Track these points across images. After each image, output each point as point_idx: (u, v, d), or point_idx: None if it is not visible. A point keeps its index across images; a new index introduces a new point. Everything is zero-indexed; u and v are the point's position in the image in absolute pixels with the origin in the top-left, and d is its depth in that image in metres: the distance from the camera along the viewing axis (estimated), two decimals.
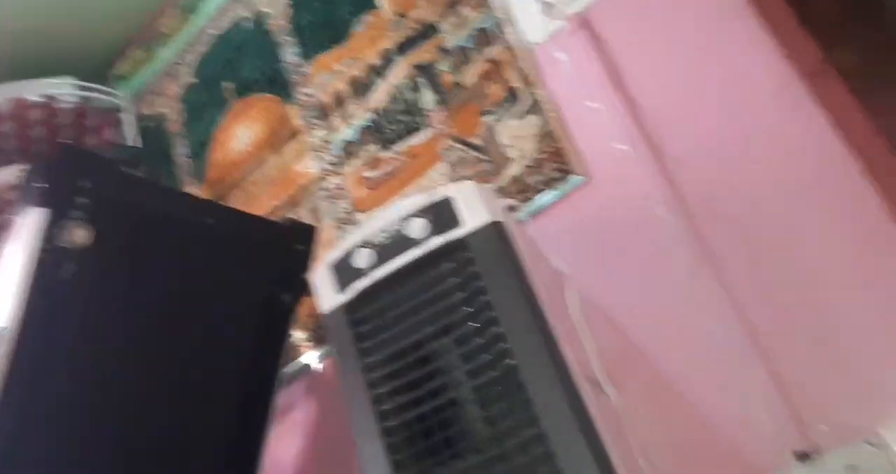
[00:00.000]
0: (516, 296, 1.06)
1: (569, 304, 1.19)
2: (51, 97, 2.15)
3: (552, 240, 1.34)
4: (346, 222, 1.74)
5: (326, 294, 1.24)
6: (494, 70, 1.59)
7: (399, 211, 1.22)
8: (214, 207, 1.66)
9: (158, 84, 2.31)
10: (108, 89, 2.32)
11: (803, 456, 1.06)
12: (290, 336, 1.55)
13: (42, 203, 1.19)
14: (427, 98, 1.68)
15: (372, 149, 1.75)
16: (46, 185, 1.20)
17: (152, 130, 2.28)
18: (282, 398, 1.49)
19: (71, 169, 1.24)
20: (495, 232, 1.13)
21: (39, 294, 1.14)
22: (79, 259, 1.18)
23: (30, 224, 1.19)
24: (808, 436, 1.07)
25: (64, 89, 2.18)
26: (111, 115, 2.30)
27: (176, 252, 1.33)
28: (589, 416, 0.96)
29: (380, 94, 1.77)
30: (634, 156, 1.32)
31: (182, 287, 1.35)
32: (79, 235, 1.19)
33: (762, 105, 1.23)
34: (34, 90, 2.14)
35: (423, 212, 1.19)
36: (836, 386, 1.08)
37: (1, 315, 1.13)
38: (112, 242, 1.22)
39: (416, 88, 1.71)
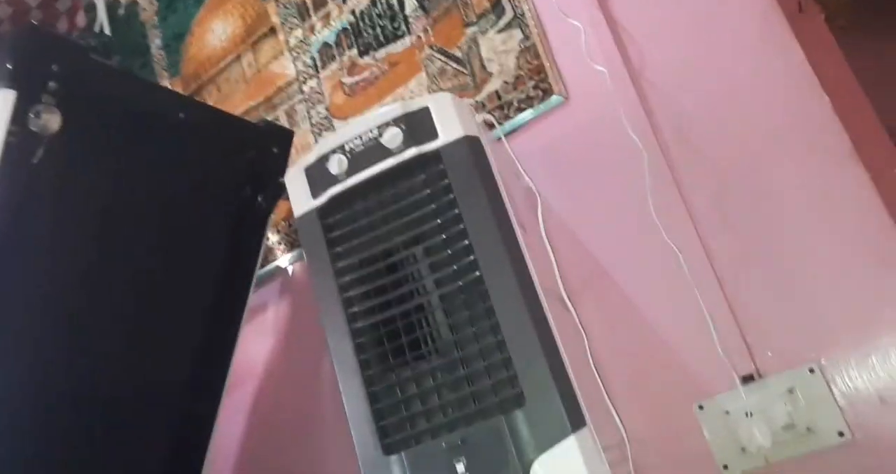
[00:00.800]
0: (486, 211, 1.08)
1: (538, 222, 1.23)
2: None
3: (527, 158, 1.35)
4: (322, 127, 1.72)
5: (300, 198, 1.25)
6: None
7: (375, 119, 1.21)
8: (190, 103, 1.62)
9: None
10: None
11: (748, 379, 1.14)
12: (265, 238, 1.56)
13: (10, 84, 1.15)
14: (409, 3, 1.64)
15: (351, 53, 1.71)
16: (15, 68, 1.16)
17: (125, 18, 2.18)
18: (254, 299, 1.53)
19: (40, 51, 1.19)
20: (470, 146, 1.14)
21: (9, 178, 1.12)
22: (48, 144, 1.16)
23: None
24: (754, 361, 1.14)
25: None
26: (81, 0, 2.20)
27: (147, 145, 1.31)
28: (548, 327, 1.01)
29: None
30: (612, 78, 1.32)
31: (154, 181, 1.34)
32: (48, 120, 1.16)
33: (742, 39, 1.23)
34: None
35: (400, 122, 1.19)
36: (783, 316, 1.14)
37: None
38: (81, 130, 1.19)
39: None
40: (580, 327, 1.15)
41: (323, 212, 1.22)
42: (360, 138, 1.21)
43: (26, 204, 1.15)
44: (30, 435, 1.18)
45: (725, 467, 1.14)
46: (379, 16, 1.68)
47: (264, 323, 1.69)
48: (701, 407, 1.17)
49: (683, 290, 1.19)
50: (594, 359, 1.13)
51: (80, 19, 2.21)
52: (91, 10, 2.22)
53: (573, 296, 1.18)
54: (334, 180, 1.21)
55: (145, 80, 1.93)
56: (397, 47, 1.64)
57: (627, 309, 1.24)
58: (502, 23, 1.49)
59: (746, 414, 1.13)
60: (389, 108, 1.21)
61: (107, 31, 2.17)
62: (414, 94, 1.58)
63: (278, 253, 1.72)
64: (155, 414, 1.34)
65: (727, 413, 1.15)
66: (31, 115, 1.15)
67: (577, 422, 0.95)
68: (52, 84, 1.18)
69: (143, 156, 1.31)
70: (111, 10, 2.22)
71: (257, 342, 1.66)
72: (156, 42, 2.09)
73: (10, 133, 1.13)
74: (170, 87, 2.01)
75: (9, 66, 1.16)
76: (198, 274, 1.43)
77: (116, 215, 1.27)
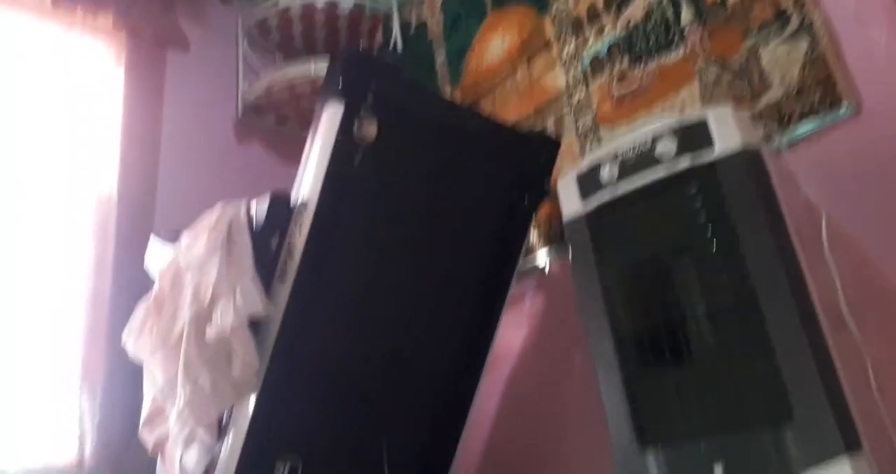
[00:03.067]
0: (762, 224, 1.08)
1: (821, 238, 1.18)
2: (333, 3, 2.41)
3: (808, 172, 1.30)
4: (588, 135, 1.80)
5: (570, 202, 1.34)
6: None
7: (651, 129, 1.26)
8: (474, 115, 1.80)
9: None
10: None
11: None
12: (528, 236, 1.69)
13: (339, 99, 1.39)
14: (686, 15, 1.65)
15: (622, 64, 1.77)
16: (343, 84, 1.40)
17: (414, 37, 2.46)
18: (513, 291, 1.66)
19: (362, 71, 1.43)
20: (748, 159, 1.14)
21: (334, 176, 1.36)
22: (365, 150, 1.39)
23: (328, 117, 1.41)
24: None
25: None
26: (380, 21, 2.53)
27: (440, 152, 1.51)
28: (824, 344, 0.98)
29: (635, 10, 1.76)
30: None
31: (443, 182, 1.52)
32: (367, 129, 1.39)
33: None
34: None
35: (675, 133, 1.22)
36: None
37: (305, 190, 1.38)
38: (392, 138, 1.41)
39: (674, 5, 1.68)
40: (864, 352, 1.08)
41: (591, 217, 1.29)
42: (634, 148, 1.27)
43: (346, 196, 1.39)
44: (329, 402, 1.41)
45: None
46: (653, 28, 1.71)
47: (521, 314, 1.81)
48: None
49: None
50: (878, 384, 1.06)
51: (378, 38, 2.54)
52: (387, 29, 2.54)
53: (857, 319, 1.11)
54: (604, 187, 1.28)
55: (441, 95, 2.17)
56: (670, 58, 1.66)
57: None
58: (787, 33, 1.44)
59: None
60: (665, 120, 1.25)
61: (399, 47, 2.47)
62: (685, 104, 1.60)
63: (538, 250, 1.84)
64: (429, 387, 1.53)
65: None
66: (355, 125, 1.39)
67: (851, 444, 0.91)
68: (370, 97, 1.40)
69: (436, 159, 1.50)
70: (404, 29, 2.52)
71: (514, 331, 1.79)
72: (440, 57, 2.33)
73: (337, 140, 1.37)
74: (451, 97, 2.23)
75: (339, 83, 1.41)
76: (472, 264, 1.60)
77: (415, 210, 1.48)
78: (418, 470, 1.49)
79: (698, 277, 1.13)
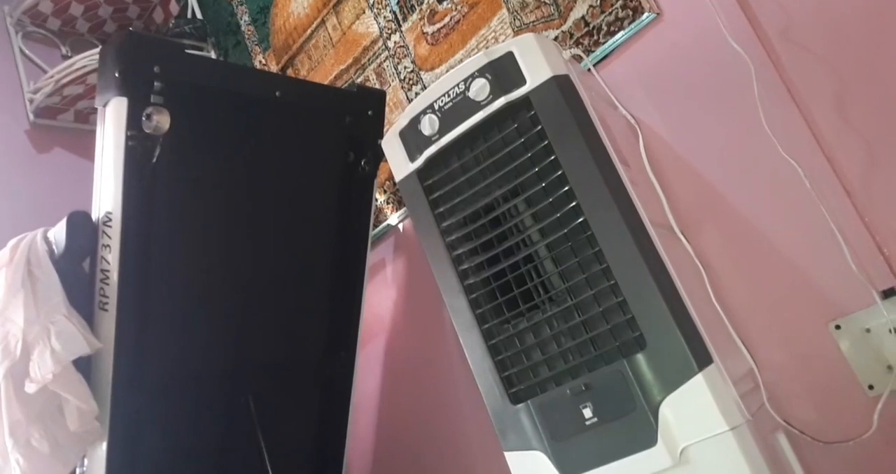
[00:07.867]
0: (583, 152, 1.05)
1: (641, 153, 1.17)
2: None
3: (623, 86, 1.29)
4: (411, 81, 1.72)
5: (398, 163, 1.27)
6: None
7: (460, 72, 1.19)
8: (282, 80, 1.66)
9: None
10: None
11: (888, 293, 1.06)
12: (374, 200, 1.60)
13: (120, 92, 1.23)
14: None
15: (428, 1, 1.68)
16: (120, 75, 1.24)
17: (213, 0, 2.25)
18: (372, 257, 1.59)
19: (142, 56, 1.25)
20: (559, 86, 1.10)
21: (134, 179, 1.21)
22: (163, 143, 1.24)
23: (112, 114, 1.24)
24: (894, 273, 1.06)
25: None
26: None
27: (251, 127, 1.37)
28: (662, 265, 0.98)
29: None
30: None
31: (263, 160, 1.40)
32: (159, 120, 1.24)
33: None
34: None
35: (485, 72, 1.16)
36: None
37: (105, 201, 1.23)
38: (190, 124, 1.26)
39: None
40: (696, 260, 1.11)
41: (422, 174, 1.23)
42: (448, 95, 1.20)
43: (154, 199, 1.24)
44: (195, 428, 1.31)
45: (871, 387, 1.08)
46: None
47: (385, 279, 1.76)
48: (838, 327, 1.11)
49: (807, 206, 1.11)
50: (715, 291, 1.09)
51: (173, 7, 2.30)
52: None
53: (688, 228, 1.13)
54: (428, 141, 1.21)
55: (238, 65, 1.99)
56: None
57: (748, 233, 1.18)
58: None
59: (890, 331, 1.07)
60: (472, 59, 1.19)
61: (199, 15, 2.25)
62: (497, 34, 1.54)
63: (388, 211, 1.77)
64: (302, 381, 1.45)
65: (868, 330, 1.09)
66: (144, 118, 1.23)
67: (702, 360, 0.93)
68: (157, 84, 1.24)
69: (249, 137, 1.37)
70: None
71: (381, 297, 1.74)
72: (244, 18, 2.14)
73: (128, 138, 1.22)
74: (263, 61, 2.07)
75: (116, 74, 1.23)
76: (317, 242, 1.51)
77: (235, 197, 1.36)
78: (311, 469, 1.43)
79: (534, 217, 1.10)
